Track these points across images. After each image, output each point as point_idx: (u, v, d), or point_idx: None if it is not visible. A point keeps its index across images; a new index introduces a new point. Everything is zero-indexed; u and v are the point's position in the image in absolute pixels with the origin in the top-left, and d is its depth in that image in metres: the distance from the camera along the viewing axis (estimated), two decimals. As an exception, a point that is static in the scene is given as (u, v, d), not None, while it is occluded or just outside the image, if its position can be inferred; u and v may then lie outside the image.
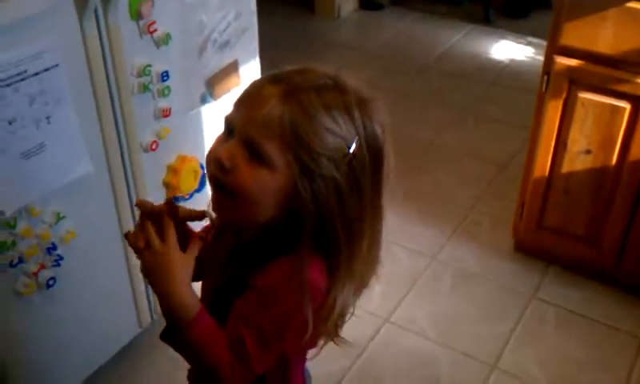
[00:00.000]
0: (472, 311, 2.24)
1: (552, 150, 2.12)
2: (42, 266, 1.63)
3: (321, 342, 1.11)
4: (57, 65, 1.48)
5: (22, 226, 1.54)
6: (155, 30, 1.69)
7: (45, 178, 1.55)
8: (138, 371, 2.02)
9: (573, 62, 1.99)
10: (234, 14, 1.91)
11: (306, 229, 0.97)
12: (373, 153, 0.99)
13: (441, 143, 3.03)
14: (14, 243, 1.54)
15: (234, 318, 1.02)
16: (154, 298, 1.95)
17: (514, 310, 2.23)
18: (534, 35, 3.80)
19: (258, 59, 2.07)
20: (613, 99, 1.98)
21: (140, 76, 1.70)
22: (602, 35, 1.92)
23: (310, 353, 1.17)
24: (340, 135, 0.96)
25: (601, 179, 2.09)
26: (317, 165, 0.95)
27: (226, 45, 1.93)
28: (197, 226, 1.16)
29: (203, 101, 1.92)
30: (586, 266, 2.30)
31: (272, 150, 0.95)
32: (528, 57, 3.67)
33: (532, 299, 2.27)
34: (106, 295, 1.86)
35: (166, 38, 1.72)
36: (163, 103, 1.79)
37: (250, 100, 0.98)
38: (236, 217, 1.04)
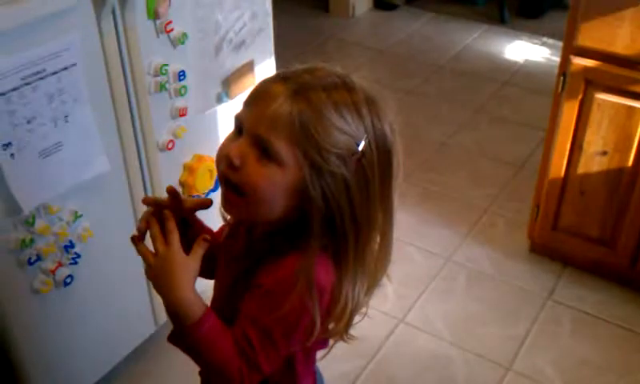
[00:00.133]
0: (487, 313, 2.23)
1: (568, 150, 2.11)
2: (60, 264, 1.64)
3: (331, 342, 1.11)
4: (75, 64, 1.50)
5: (39, 223, 1.55)
6: (172, 30, 1.70)
7: (62, 176, 1.56)
8: (153, 369, 2.02)
9: (589, 63, 1.98)
10: (249, 14, 1.92)
11: (314, 226, 0.97)
12: (382, 151, 1.00)
13: (455, 144, 3.02)
14: (32, 241, 1.55)
15: (241, 318, 1.02)
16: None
17: (529, 312, 2.22)
18: (549, 36, 3.78)
19: (273, 59, 2.08)
20: (629, 100, 1.96)
21: (157, 75, 1.71)
22: (618, 35, 1.91)
23: (320, 353, 1.17)
24: (349, 133, 0.96)
25: (617, 181, 2.08)
26: (326, 162, 0.95)
27: (241, 45, 1.93)
28: (213, 223, 1.16)
29: (219, 100, 1.93)
30: (602, 268, 2.28)
31: (281, 147, 0.95)
32: (543, 57, 3.66)
33: (547, 301, 2.26)
34: (122, 293, 1.87)
35: (183, 38, 1.73)
36: (180, 102, 1.80)
37: (259, 98, 0.99)
38: (245, 214, 1.04)
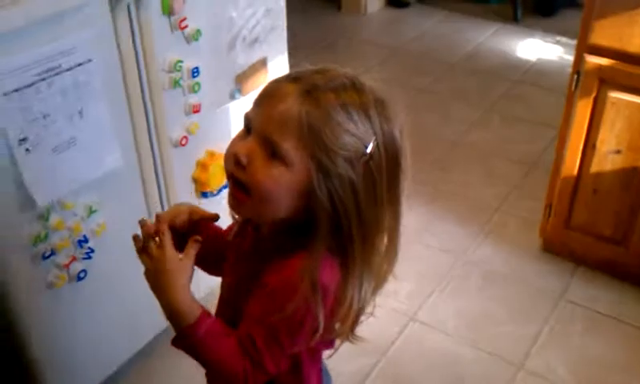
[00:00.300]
0: (499, 311, 2.23)
1: (581, 149, 2.10)
2: (74, 258, 1.65)
3: (337, 342, 1.11)
4: (90, 60, 1.50)
5: (54, 218, 1.56)
6: (186, 26, 1.70)
7: (76, 171, 1.57)
8: (161, 367, 2.02)
9: (603, 61, 1.97)
10: (263, 11, 1.92)
11: (321, 227, 0.97)
12: (390, 153, 0.99)
13: (467, 142, 3.02)
14: (46, 235, 1.56)
15: (245, 318, 1.03)
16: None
17: (541, 311, 2.22)
18: (563, 34, 3.77)
19: (286, 56, 2.08)
20: (644, 99, 1.96)
21: (171, 71, 1.72)
22: (632, 34, 1.90)
23: (326, 352, 1.17)
24: (357, 135, 0.96)
25: (630, 179, 2.07)
26: (333, 164, 0.95)
27: (255, 42, 1.94)
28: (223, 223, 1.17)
29: (232, 97, 1.93)
30: (615, 267, 2.27)
31: (289, 147, 0.95)
32: (556, 56, 3.64)
33: (560, 300, 2.25)
34: (134, 289, 1.87)
35: (197, 34, 1.73)
36: (193, 99, 1.80)
37: (268, 98, 0.99)
38: (251, 213, 1.05)
